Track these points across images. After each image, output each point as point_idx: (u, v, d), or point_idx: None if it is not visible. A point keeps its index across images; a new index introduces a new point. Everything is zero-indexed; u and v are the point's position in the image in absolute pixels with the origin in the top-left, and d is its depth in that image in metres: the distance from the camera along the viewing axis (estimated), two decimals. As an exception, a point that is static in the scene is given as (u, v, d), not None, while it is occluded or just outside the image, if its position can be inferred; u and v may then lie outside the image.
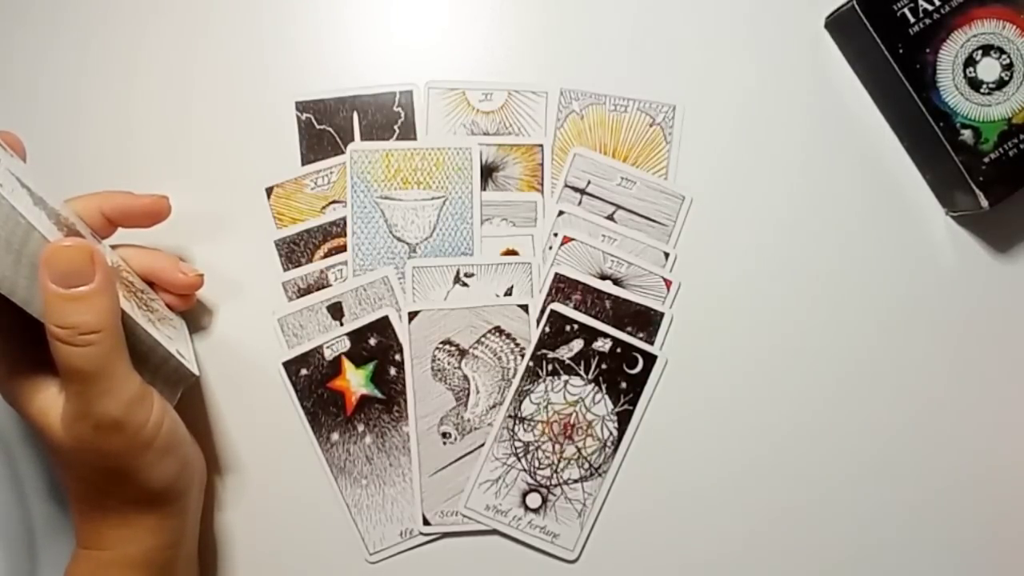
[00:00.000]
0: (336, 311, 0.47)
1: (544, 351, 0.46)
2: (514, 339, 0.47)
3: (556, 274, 0.47)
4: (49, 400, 0.37)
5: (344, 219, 0.47)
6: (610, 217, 0.47)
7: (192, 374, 0.43)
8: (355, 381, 0.47)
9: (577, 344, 0.46)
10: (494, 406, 0.46)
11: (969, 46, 0.43)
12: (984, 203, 0.43)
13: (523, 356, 0.46)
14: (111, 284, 0.36)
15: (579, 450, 0.46)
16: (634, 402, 0.46)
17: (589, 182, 0.47)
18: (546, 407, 0.46)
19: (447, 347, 0.47)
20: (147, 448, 0.38)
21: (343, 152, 0.47)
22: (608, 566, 0.46)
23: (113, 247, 0.43)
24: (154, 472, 0.39)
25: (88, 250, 0.35)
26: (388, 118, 0.47)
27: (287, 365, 0.46)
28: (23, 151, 0.40)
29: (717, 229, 0.47)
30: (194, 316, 0.47)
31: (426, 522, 0.46)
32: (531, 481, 0.46)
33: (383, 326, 0.47)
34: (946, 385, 0.47)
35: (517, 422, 0.46)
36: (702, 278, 0.47)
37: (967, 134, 0.43)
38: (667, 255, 0.47)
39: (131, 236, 0.45)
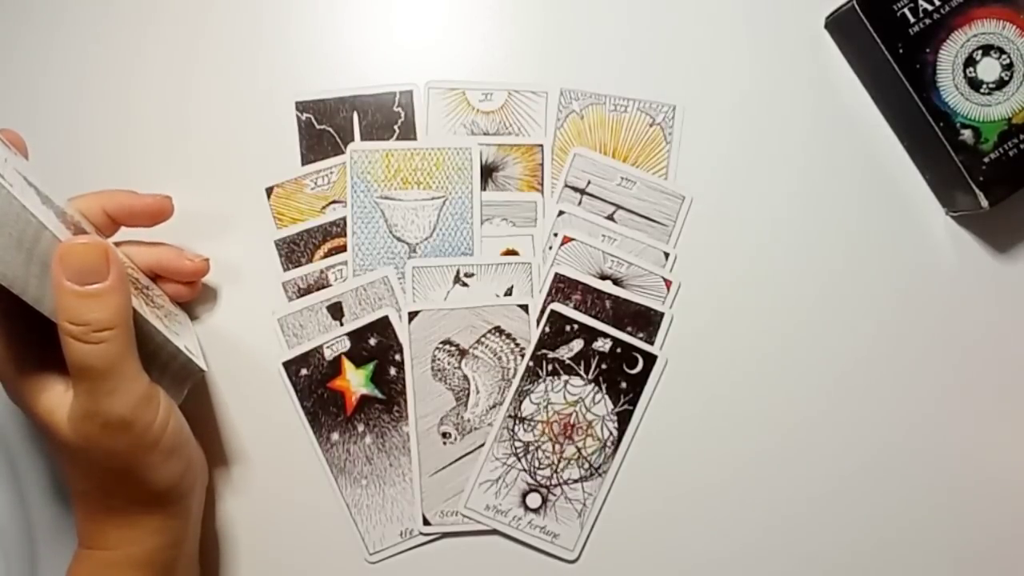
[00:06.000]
0: (336, 311, 0.47)
1: (544, 351, 0.46)
2: (514, 339, 0.47)
3: (556, 274, 0.47)
4: (56, 399, 0.37)
5: (344, 219, 0.47)
6: (610, 217, 0.47)
7: (200, 369, 0.43)
8: (355, 381, 0.47)
9: (577, 344, 0.46)
10: (494, 406, 0.46)
11: (969, 46, 0.43)
12: (984, 203, 0.43)
13: (523, 356, 0.46)
14: (124, 281, 0.36)
15: (579, 450, 0.46)
16: (634, 402, 0.46)
17: (589, 182, 0.47)
18: (546, 407, 0.46)
19: (447, 347, 0.47)
20: (153, 448, 0.38)
21: (343, 152, 0.47)
22: (608, 566, 0.46)
23: (116, 244, 0.43)
24: (159, 472, 0.39)
25: (103, 247, 0.36)
26: (388, 118, 0.47)
27: (287, 365, 0.46)
28: (25, 148, 0.40)
29: (717, 229, 0.47)
30: (194, 316, 0.47)
31: (426, 522, 0.46)
32: (531, 481, 0.46)
33: (383, 326, 0.47)
34: (946, 385, 0.47)
35: (517, 422, 0.46)
36: (702, 278, 0.47)
37: (967, 134, 0.43)
38: (667, 255, 0.47)
39: (132, 236, 0.45)
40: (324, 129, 0.47)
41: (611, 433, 0.46)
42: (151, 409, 0.38)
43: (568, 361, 0.46)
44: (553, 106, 0.48)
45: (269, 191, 0.47)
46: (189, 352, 0.42)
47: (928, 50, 0.43)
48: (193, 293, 0.46)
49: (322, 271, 0.47)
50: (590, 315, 0.46)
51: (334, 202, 0.47)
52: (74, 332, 0.35)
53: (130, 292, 0.37)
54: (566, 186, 0.47)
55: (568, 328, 0.46)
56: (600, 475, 0.46)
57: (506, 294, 0.47)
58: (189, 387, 0.44)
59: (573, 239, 0.47)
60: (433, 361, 0.47)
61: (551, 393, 0.46)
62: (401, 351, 0.46)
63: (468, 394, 0.46)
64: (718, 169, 0.47)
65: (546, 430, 0.46)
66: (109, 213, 0.42)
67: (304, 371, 0.46)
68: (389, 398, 0.47)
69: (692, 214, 0.47)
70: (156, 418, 0.38)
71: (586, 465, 0.46)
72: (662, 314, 0.46)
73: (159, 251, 0.44)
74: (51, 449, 0.39)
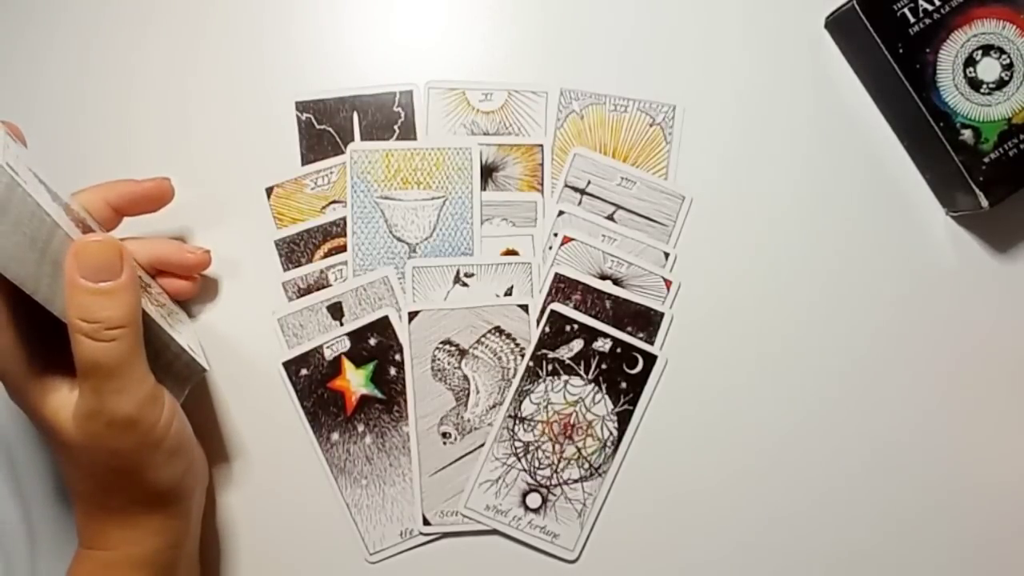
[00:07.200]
0: (336, 311, 0.47)
1: (544, 351, 0.46)
2: (514, 339, 0.47)
3: (556, 274, 0.47)
4: (61, 399, 0.37)
5: (344, 219, 0.47)
6: (610, 217, 0.47)
7: (202, 368, 0.43)
8: (355, 381, 0.47)
9: (577, 344, 0.46)
10: (494, 406, 0.46)
11: (969, 46, 0.43)
12: (984, 203, 0.43)
13: (523, 356, 0.46)
14: (136, 280, 0.36)
15: (579, 450, 0.46)
16: (634, 402, 0.46)
17: (589, 182, 0.47)
18: (546, 407, 0.46)
19: (447, 347, 0.47)
20: (157, 448, 0.38)
21: (343, 152, 0.47)
22: (608, 566, 0.46)
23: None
24: (162, 472, 0.39)
25: (117, 245, 0.36)
26: (388, 118, 0.47)
27: (287, 365, 0.46)
28: (24, 141, 0.40)
29: (717, 229, 0.47)
30: (194, 316, 0.47)
31: (426, 522, 0.46)
32: (531, 481, 0.46)
33: (383, 326, 0.47)
34: (946, 385, 0.47)
35: (517, 422, 0.46)
36: (702, 278, 0.47)
37: (967, 134, 0.43)
38: (667, 255, 0.47)
39: (132, 233, 0.45)
40: (324, 129, 0.47)
41: (611, 433, 0.46)
42: (156, 409, 0.38)
43: (568, 361, 0.46)
44: (553, 106, 0.48)
45: (269, 191, 0.47)
46: (191, 351, 0.42)
47: (928, 50, 0.43)
48: (194, 290, 0.46)
49: (322, 271, 0.47)
50: (590, 315, 0.46)
51: (334, 202, 0.47)
52: (85, 329, 0.35)
53: (139, 290, 0.37)
54: (566, 186, 0.47)
55: (568, 328, 0.46)
56: (600, 475, 0.46)
57: (506, 294, 0.47)
58: (191, 386, 0.44)
59: (573, 239, 0.47)
60: (433, 361, 0.47)
61: (551, 393, 0.46)
62: (401, 351, 0.46)
63: (468, 394, 0.46)
64: (718, 169, 0.47)
65: (546, 430, 0.46)
66: (112, 204, 0.42)
67: (304, 371, 0.46)
68: (389, 398, 0.47)
69: (692, 214, 0.47)
70: (161, 418, 0.38)
71: (586, 465, 0.46)
72: (662, 314, 0.46)
73: (160, 245, 0.44)
74: (54, 449, 0.39)
